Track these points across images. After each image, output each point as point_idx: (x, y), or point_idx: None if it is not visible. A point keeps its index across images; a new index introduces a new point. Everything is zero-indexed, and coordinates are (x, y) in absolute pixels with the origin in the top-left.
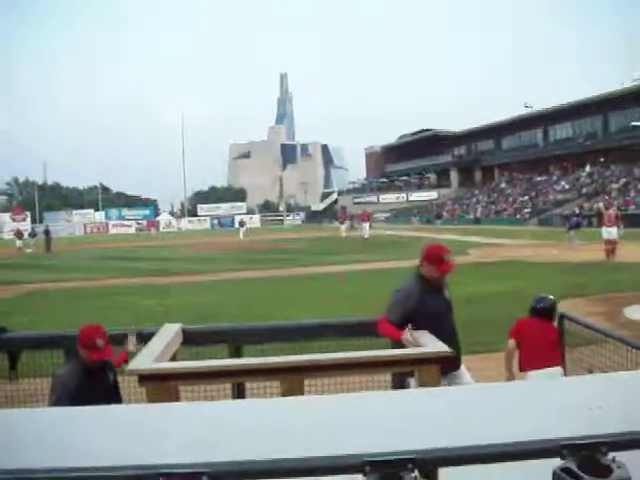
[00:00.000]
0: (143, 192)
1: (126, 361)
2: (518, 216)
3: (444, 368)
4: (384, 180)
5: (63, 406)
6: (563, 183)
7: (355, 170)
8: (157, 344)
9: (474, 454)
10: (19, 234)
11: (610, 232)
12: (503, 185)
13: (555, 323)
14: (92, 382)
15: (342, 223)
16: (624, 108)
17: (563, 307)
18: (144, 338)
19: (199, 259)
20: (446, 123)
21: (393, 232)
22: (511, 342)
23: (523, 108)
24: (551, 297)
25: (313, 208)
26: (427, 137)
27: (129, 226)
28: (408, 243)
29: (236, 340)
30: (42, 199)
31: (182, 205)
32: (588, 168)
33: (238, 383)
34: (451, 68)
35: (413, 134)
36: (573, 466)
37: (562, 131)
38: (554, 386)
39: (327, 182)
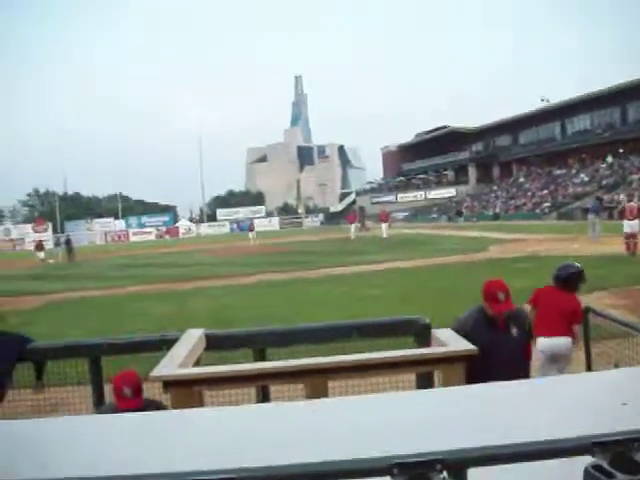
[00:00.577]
0: (162, 199)
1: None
2: (538, 211)
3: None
4: (401, 179)
5: None
6: (582, 176)
7: (372, 170)
8: (181, 350)
9: (504, 453)
10: (39, 247)
11: (632, 225)
12: (522, 180)
13: (577, 293)
14: None
15: (351, 223)
16: None
17: (585, 301)
18: (168, 344)
19: (219, 263)
20: (463, 120)
21: (411, 230)
22: (527, 308)
23: (539, 102)
24: (576, 265)
25: (332, 209)
26: (444, 134)
27: (149, 233)
28: (426, 241)
29: (260, 343)
30: (63, 209)
31: (201, 210)
32: (610, 159)
33: (262, 386)
34: (482, 64)
35: (429, 132)
36: (605, 463)
37: (580, 123)
38: (582, 382)
39: (345, 183)
